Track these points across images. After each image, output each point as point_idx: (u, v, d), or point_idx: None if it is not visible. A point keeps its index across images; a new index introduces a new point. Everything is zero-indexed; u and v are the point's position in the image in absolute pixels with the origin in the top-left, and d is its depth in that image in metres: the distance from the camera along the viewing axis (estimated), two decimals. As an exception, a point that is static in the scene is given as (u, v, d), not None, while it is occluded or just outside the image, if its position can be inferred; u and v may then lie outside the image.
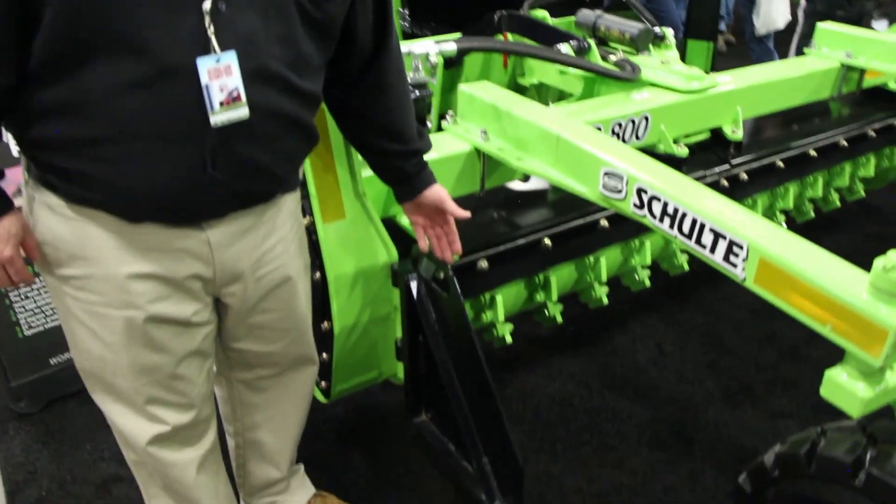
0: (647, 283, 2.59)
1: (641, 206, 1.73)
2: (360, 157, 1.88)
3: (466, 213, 1.76)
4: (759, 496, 1.58)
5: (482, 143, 2.13)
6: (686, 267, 2.71)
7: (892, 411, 1.61)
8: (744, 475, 1.63)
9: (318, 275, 1.90)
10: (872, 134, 3.05)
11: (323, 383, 2.10)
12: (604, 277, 2.43)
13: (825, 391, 1.47)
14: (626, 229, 2.39)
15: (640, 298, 3.03)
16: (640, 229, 2.47)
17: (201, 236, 1.41)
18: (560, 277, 2.35)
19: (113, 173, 1.28)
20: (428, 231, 1.82)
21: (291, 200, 1.60)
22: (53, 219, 1.37)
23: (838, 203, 3.22)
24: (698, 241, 1.62)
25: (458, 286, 1.78)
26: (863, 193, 3.33)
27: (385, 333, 2.08)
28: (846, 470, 1.40)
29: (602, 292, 2.47)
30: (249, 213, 1.47)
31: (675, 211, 1.66)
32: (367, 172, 1.92)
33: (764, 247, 1.50)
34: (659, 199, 1.69)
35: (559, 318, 2.38)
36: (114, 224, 1.35)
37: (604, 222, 2.31)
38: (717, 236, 1.58)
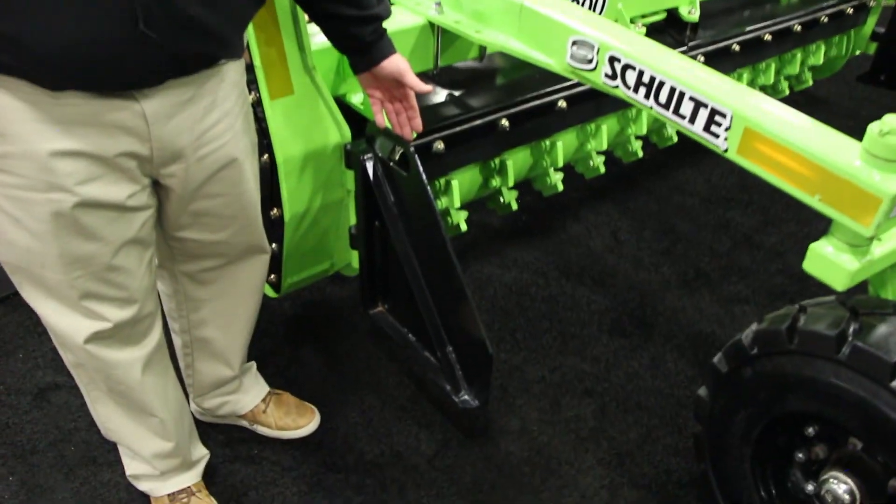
0: (602, 169, 2.54)
1: (614, 77, 1.62)
2: (307, 28, 1.71)
3: (428, 87, 1.63)
4: (735, 375, 1.55)
5: (436, 15, 1.98)
6: (640, 154, 2.66)
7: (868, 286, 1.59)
8: (719, 355, 1.59)
9: (265, 157, 1.75)
10: (825, 20, 3.01)
11: (272, 276, 1.98)
12: (560, 163, 2.36)
13: (809, 265, 1.42)
14: (583, 111, 2.30)
15: (594, 187, 2.96)
16: (598, 112, 2.39)
17: (135, 108, 1.25)
18: (516, 162, 2.25)
19: (26, 30, 1.10)
20: (386, 106, 1.69)
21: (235, 70, 1.44)
22: None
23: (787, 91, 3.21)
24: (676, 112, 1.53)
25: (419, 163, 1.65)
26: (810, 82, 3.33)
27: (338, 220, 1.97)
28: (831, 343, 1.36)
29: (557, 178, 2.41)
30: (189, 81, 1.31)
31: (652, 80, 1.55)
32: (315, 46, 1.76)
33: (749, 115, 1.41)
34: (634, 68, 1.58)
35: (514, 205, 2.31)
36: (31, 93, 1.18)
37: (562, 103, 2.21)
38: (699, 105, 1.48)
